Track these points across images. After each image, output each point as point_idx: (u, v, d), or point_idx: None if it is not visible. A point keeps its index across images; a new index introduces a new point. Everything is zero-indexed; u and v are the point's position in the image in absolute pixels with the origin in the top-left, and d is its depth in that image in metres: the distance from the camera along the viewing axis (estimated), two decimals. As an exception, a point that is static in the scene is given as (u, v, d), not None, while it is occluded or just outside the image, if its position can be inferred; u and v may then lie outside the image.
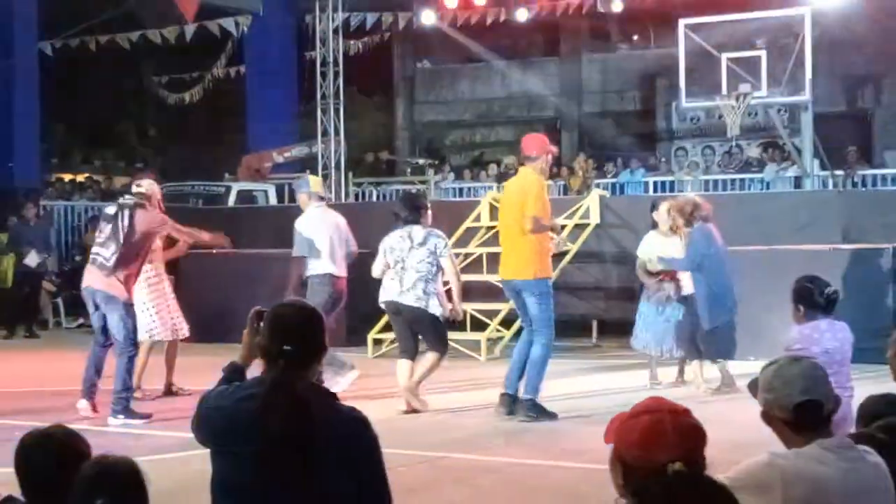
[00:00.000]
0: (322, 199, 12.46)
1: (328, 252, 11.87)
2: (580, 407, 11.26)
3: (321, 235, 11.89)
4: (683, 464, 3.15)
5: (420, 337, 11.30)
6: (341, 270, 11.98)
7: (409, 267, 10.98)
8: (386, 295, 11.20)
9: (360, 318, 16.03)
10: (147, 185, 11.44)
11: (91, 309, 11.09)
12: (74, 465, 3.79)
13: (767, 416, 4.03)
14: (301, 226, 12.00)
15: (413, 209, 11.22)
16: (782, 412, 3.97)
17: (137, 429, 10.38)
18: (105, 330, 10.94)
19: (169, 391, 12.40)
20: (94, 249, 11.01)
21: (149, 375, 12.33)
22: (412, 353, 11.23)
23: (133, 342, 10.92)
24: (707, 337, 11.89)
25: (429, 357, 11.17)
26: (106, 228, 10.94)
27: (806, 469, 3.80)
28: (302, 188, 12.55)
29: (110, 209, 11.15)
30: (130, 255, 10.87)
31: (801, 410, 3.93)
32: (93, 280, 10.93)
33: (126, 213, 10.90)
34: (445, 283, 11.35)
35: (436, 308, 11.03)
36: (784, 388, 3.97)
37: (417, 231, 11.08)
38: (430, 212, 11.40)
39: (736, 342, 12.17)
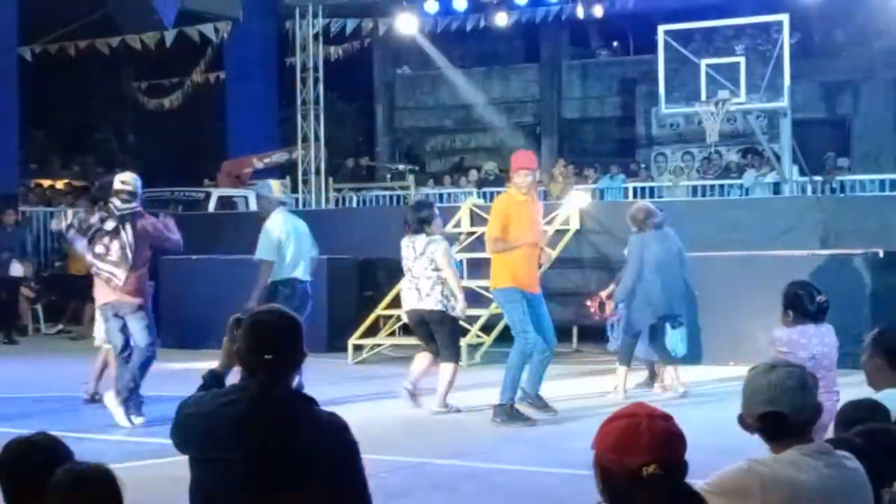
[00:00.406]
0: (283, 203, 12.46)
1: (294, 257, 11.88)
2: (561, 412, 11.26)
3: (288, 240, 11.88)
4: (659, 468, 3.17)
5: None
6: (306, 275, 11.99)
7: (419, 275, 11.12)
8: (407, 305, 11.40)
9: (340, 323, 16.05)
10: (132, 181, 11.01)
11: (113, 323, 10.99)
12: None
13: (743, 422, 4.06)
14: (269, 230, 11.96)
15: (417, 219, 11.27)
16: (752, 419, 4.00)
17: (118, 435, 10.34)
18: (128, 341, 10.94)
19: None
20: (104, 267, 10.78)
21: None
22: (436, 353, 11.34)
23: (154, 344, 11.06)
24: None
25: (446, 368, 11.22)
26: (113, 246, 10.72)
27: (784, 475, 3.81)
28: (262, 192, 12.53)
29: (109, 224, 10.81)
30: (139, 265, 10.85)
31: (764, 420, 3.96)
32: (109, 295, 10.85)
33: (127, 226, 10.75)
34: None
35: (455, 311, 11.16)
36: (752, 396, 4.01)
37: (420, 241, 11.17)
38: (438, 219, 11.48)
39: (663, 345, 12.11)
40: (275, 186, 12.80)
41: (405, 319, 11.87)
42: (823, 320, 7.35)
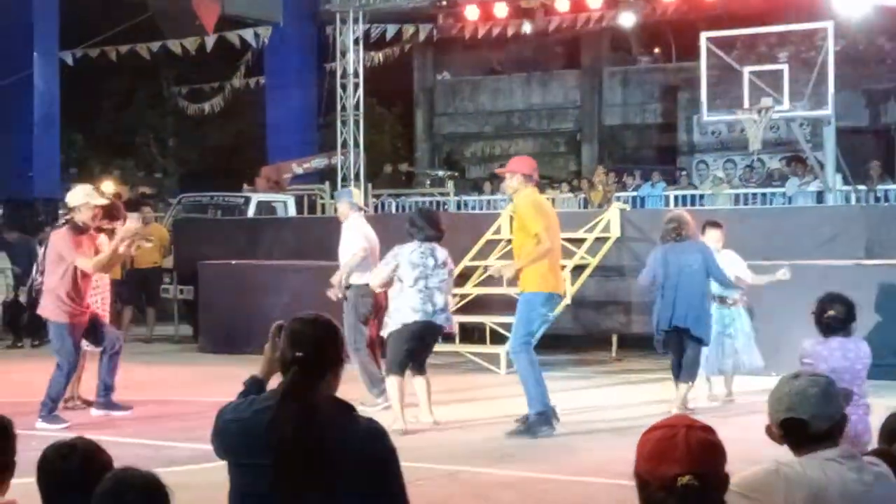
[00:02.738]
0: (361, 209, 12.65)
1: (368, 263, 12.01)
2: (600, 421, 11.19)
3: (364, 246, 12.06)
4: (695, 479, 3.15)
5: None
6: None
7: (432, 286, 10.78)
8: (421, 315, 10.76)
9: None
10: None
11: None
12: (97, 476, 3.75)
13: (769, 431, 4.09)
14: (355, 230, 12.20)
15: (436, 226, 11.02)
16: (775, 427, 4.04)
17: (155, 440, 10.32)
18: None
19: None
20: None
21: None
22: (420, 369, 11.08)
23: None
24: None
25: (422, 382, 11.03)
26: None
27: (808, 476, 3.84)
28: (345, 198, 12.73)
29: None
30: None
31: (786, 427, 3.99)
32: None
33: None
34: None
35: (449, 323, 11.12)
36: (776, 404, 4.04)
37: (440, 251, 10.93)
38: None
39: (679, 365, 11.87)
40: (356, 194, 13.15)
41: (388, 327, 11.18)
42: (846, 333, 7.29)
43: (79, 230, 11.29)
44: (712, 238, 12.20)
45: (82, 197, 11.43)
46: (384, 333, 11.12)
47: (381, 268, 11.17)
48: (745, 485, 3.82)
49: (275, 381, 4.19)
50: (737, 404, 12.12)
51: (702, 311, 11.60)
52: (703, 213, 15.10)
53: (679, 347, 11.66)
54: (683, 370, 11.65)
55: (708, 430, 3.31)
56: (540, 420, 10.45)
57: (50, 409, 11.16)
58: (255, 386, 4.30)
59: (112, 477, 3.67)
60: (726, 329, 12.28)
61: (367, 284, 11.76)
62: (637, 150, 33.36)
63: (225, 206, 22.83)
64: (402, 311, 10.77)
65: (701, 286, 11.55)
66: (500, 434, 10.64)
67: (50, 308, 11.31)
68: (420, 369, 11.02)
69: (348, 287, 12.11)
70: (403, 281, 10.80)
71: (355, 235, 12.14)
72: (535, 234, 10.47)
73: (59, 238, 11.35)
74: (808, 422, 3.94)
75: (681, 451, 3.20)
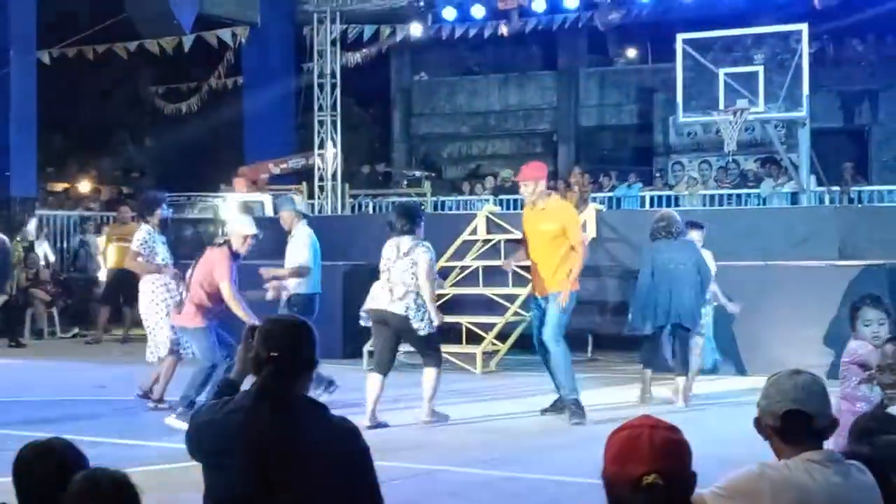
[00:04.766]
0: (305, 216, 12.63)
1: (318, 272, 12.22)
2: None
3: (312, 255, 12.10)
4: (659, 477, 3.18)
5: (409, 350, 11.35)
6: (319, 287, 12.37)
7: (395, 279, 10.85)
8: (375, 303, 10.97)
9: (355, 330, 16.00)
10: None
11: None
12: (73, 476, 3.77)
13: (759, 424, 4.06)
14: (304, 240, 12.21)
15: (408, 219, 11.09)
16: (772, 419, 3.99)
17: (131, 440, 10.33)
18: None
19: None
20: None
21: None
22: (385, 368, 11.02)
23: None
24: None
25: (428, 374, 11.05)
26: None
27: (794, 480, 3.83)
28: (286, 206, 12.71)
29: None
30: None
31: (788, 419, 3.96)
32: None
33: None
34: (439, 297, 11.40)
35: (421, 323, 10.83)
36: (777, 395, 4.01)
37: (405, 241, 10.96)
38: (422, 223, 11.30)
39: (657, 355, 12.28)
40: (297, 200, 13.15)
41: (363, 319, 11.36)
42: None
43: (234, 255, 11.30)
44: (693, 238, 12.42)
45: (239, 226, 11.48)
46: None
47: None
48: (729, 487, 3.83)
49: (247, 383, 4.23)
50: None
51: (694, 306, 11.91)
52: (680, 214, 15.16)
53: (658, 339, 12.00)
54: (679, 364, 12.03)
55: (673, 429, 3.33)
56: (580, 407, 11.17)
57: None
58: (227, 387, 4.33)
59: (82, 478, 3.69)
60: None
61: (311, 294, 12.12)
62: (613, 151, 33.41)
63: (202, 206, 22.82)
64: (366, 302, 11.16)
65: (692, 282, 11.85)
66: (478, 434, 10.70)
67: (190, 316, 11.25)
68: (423, 363, 11.14)
69: (289, 298, 12.16)
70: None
71: (300, 246, 12.16)
72: (578, 242, 11.46)
73: (222, 256, 11.25)
74: (813, 417, 3.94)
75: (645, 451, 3.23)
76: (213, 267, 11.09)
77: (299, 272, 12.10)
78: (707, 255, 12.52)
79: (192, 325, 11.19)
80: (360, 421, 10.20)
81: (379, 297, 10.96)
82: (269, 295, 12.12)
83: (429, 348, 11.07)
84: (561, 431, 10.79)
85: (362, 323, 11.43)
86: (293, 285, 12.11)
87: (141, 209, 13.08)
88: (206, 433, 4.08)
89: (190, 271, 11.33)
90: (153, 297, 12.20)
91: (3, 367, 16.31)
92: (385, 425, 10.84)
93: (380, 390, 10.95)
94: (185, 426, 9.99)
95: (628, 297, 13.86)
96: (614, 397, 12.69)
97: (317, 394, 11.44)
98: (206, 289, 11.08)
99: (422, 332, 10.82)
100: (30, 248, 20.61)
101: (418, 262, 10.83)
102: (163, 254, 12.36)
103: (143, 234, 12.44)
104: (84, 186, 31.27)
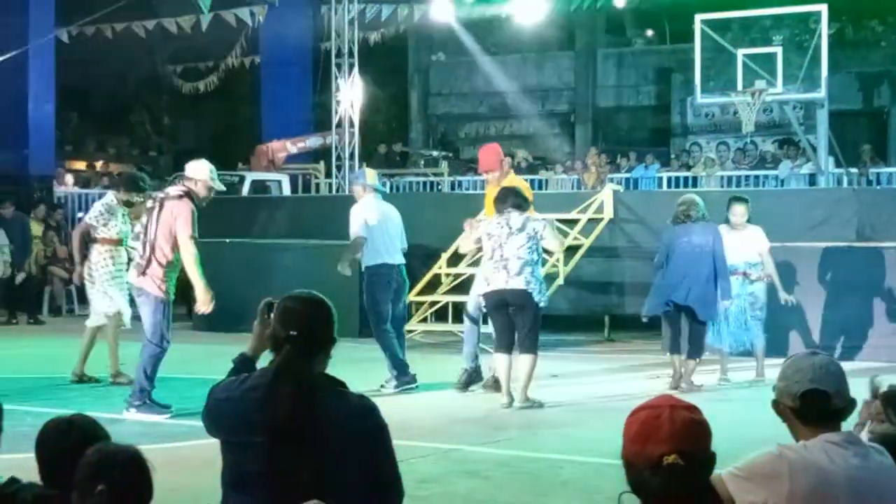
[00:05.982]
0: (377, 190, 12.56)
1: (385, 242, 12.05)
2: (592, 401, 11.24)
3: (379, 225, 12.06)
4: (680, 457, 3.17)
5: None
6: (398, 258, 12.19)
7: (509, 255, 10.80)
8: (492, 286, 10.92)
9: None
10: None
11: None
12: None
13: (777, 405, 4.03)
14: (357, 212, 12.14)
15: (515, 195, 11.07)
16: (790, 400, 3.96)
17: (155, 416, 10.35)
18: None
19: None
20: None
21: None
22: (510, 348, 10.98)
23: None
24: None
25: (525, 361, 10.90)
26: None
27: (812, 461, 3.81)
28: (358, 179, 12.77)
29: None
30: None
31: (807, 399, 3.92)
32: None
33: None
34: None
35: (540, 295, 10.87)
36: (795, 375, 3.98)
37: (515, 217, 10.90)
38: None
39: (677, 340, 12.10)
40: (370, 174, 12.93)
41: (473, 309, 11.73)
42: None
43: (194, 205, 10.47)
44: (737, 213, 12.40)
45: (207, 174, 10.80)
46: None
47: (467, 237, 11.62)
48: (747, 468, 3.80)
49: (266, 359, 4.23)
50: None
51: (708, 291, 11.78)
52: (713, 195, 15.15)
53: (678, 324, 11.91)
54: (691, 347, 11.91)
55: (693, 409, 3.32)
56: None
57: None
58: (244, 364, 4.32)
59: (95, 451, 3.72)
60: (753, 307, 12.38)
61: (379, 265, 11.99)
62: (631, 132, 33.34)
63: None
64: (479, 284, 11.36)
65: (709, 267, 11.75)
66: (496, 413, 10.71)
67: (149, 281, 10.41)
68: (521, 347, 10.97)
69: (361, 271, 12.26)
70: (482, 252, 11.23)
71: (356, 219, 12.11)
72: None
73: (184, 207, 10.37)
74: (832, 396, 3.91)
75: (665, 431, 3.22)
76: (177, 218, 10.32)
77: (353, 248, 12.09)
78: (757, 232, 12.46)
79: (154, 291, 10.37)
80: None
81: (494, 279, 10.90)
82: (348, 272, 12.15)
83: (532, 330, 10.93)
84: (576, 411, 10.79)
85: (474, 313, 11.81)
86: (365, 260, 12.12)
87: (119, 183, 13.05)
88: (225, 411, 4.08)
89: (142, 229, 10.57)
90: (96, 264, 12.32)
91: (22, 344, 16.38)
92: (540, 405, 10.92)
93: (509, 369, 10.98)
94: (152, 418, 10.09)
95: (645, 278, 13.85)
96: (632, 377, 12.70)
97: (392, 374, 11.90)
98: (173, 244, 10.34)
99: (542, 304, 10.94)
100: (48, 227, 20.68)
101: (538, 229, 10.86)
102: (119, 226, 12.36)
103: (100, 206, 12.54)
104: (101, 165, 31.35)
